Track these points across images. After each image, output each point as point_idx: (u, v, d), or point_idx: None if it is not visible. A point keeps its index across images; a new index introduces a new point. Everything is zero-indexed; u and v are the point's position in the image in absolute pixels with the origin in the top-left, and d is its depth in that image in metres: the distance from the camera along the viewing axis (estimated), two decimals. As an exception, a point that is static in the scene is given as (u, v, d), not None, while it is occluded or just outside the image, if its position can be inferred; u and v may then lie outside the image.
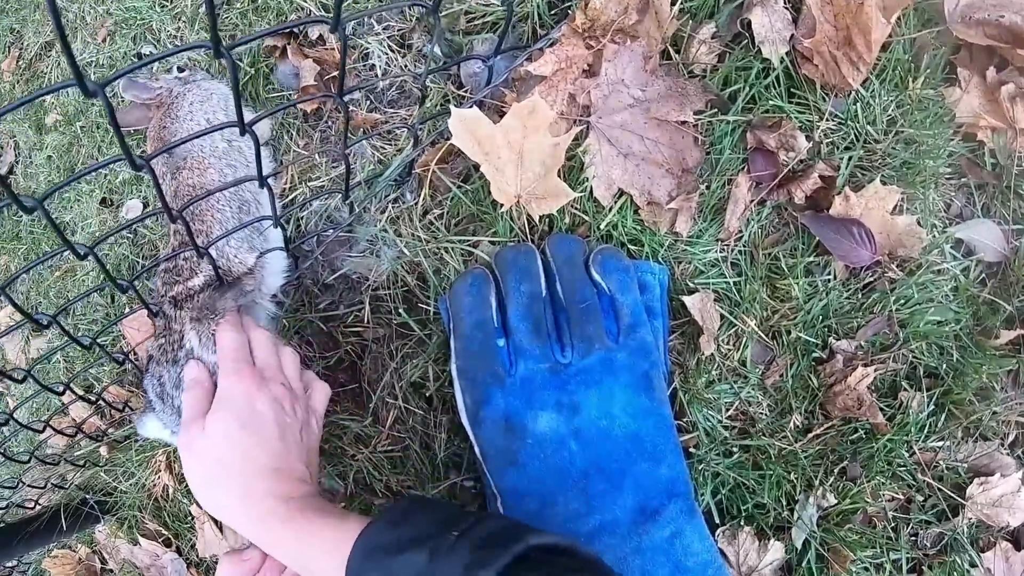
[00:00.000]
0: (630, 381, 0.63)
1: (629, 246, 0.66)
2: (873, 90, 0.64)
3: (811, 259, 0.66)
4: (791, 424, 0.66)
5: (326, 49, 0.79)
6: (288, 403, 0.59)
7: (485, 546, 0.42)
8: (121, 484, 0.96)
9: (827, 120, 0.64)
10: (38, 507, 1.01)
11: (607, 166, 0.66)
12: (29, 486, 1.01)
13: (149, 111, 0.80)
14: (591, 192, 0.66)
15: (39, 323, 0.49)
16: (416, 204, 0.72)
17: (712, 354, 0.65)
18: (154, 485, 0.94)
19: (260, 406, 0.57)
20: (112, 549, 1.07)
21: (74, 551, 1.15)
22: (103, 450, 0.96)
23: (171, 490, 0.93)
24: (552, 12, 0.69)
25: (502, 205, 0.66)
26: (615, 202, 0.66)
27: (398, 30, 0.76)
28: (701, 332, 0.64)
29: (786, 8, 0.63)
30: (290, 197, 0.79)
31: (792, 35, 0.63)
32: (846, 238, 0.64)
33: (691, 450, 0.66)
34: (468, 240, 0.69)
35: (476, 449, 0.64)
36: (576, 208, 0.66)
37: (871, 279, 0.65)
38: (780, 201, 0.66)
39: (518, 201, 0.66)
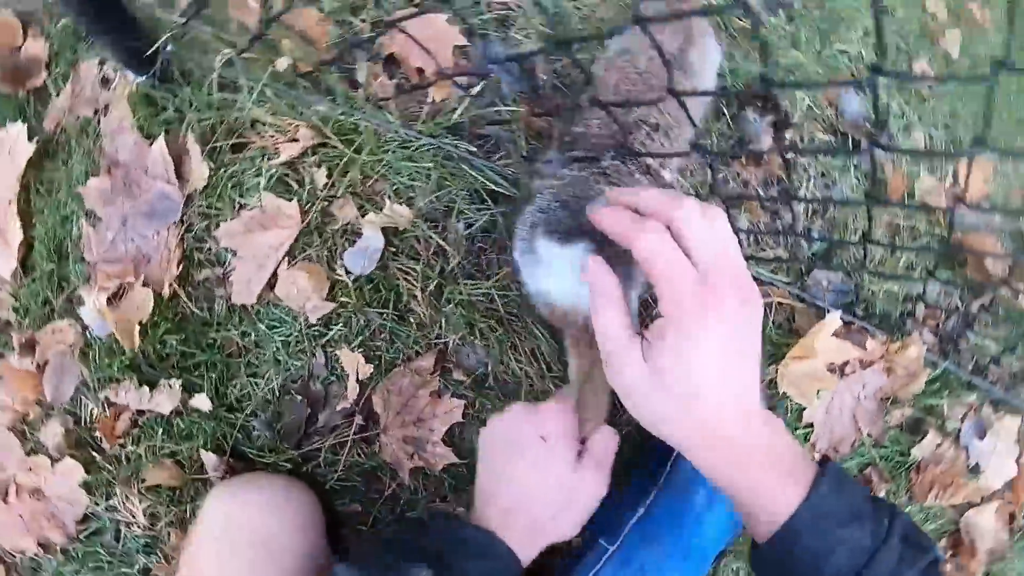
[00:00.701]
0: None
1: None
2: (914, 510, 1.04)
3: None
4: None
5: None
6: (752, 324, 0.51)
7: (907, 543, 0.46)
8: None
9: (894, 498, 1.02)
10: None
11: (820, 409, 0.95)
12: None
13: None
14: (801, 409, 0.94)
15: None
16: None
17: None
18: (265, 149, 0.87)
19: (726, 343, 0.48)
20: (88, 82, 0.91)
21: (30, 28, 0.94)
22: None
23: (271, 167, 0.86)
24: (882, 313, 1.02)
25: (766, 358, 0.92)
26: (804, 426, 0.95)
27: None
28: None
29: (937, 443, 1.03)
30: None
31: (927, 456, 1.02)
32: None
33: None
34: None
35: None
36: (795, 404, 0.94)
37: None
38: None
39: (783, 371, 0.92)
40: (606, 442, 0.65)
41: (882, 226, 1.04)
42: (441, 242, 0.86)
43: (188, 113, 0.87)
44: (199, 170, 0.86)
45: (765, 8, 1.05)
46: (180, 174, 0.87)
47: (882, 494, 0.99)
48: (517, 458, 0.63)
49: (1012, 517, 1.13)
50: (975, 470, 1.08)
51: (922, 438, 1.00)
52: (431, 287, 0.86)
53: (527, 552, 0.61)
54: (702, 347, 0.48)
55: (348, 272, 0.85)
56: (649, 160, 0.72)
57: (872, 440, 0.99)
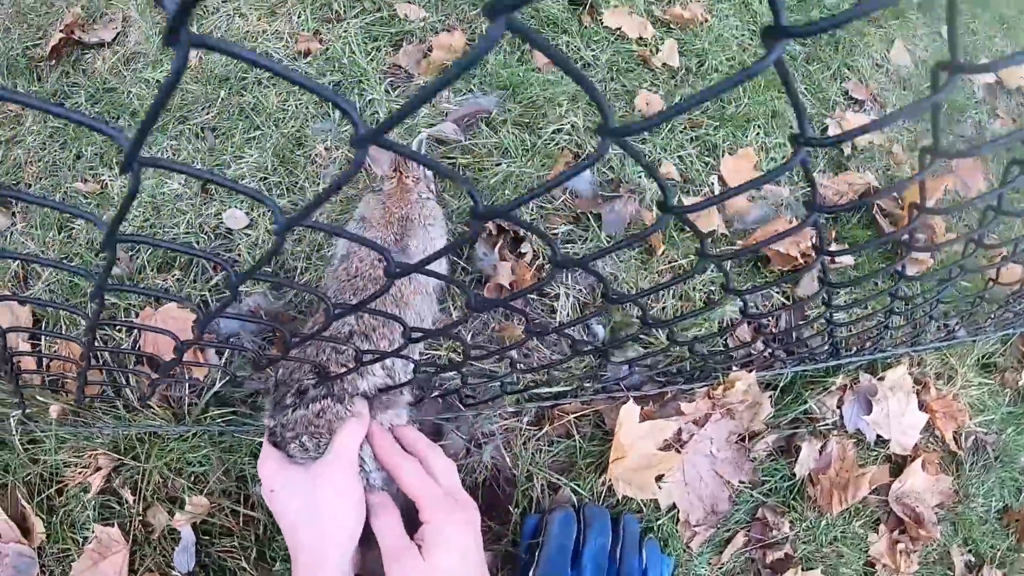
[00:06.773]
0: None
1: (661, 540, 0.91)
2: (831, 521, 0.98)
3: (753, 600, 0.96)
4: None
5: (525, 266, 0.98)
6: (479, 527, 0.67)
7: None
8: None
9: (802, 523, 0.97)
10: None
11: (675, 486, 0.92)
12: None
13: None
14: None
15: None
16: (526, 428, 0.92)
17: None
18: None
19: (468, 539, 0.64)
20: None
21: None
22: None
23: (91, 500, 0.93)
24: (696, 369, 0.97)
25: (594, 470, 0.89)
26: (666, 511, 0.92)
27: (583, 299, 0.99)
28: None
29: (819, 448, 0.97)
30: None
31: (814, 466, 0.97)
32: (778, 601, 0.95)
33: None
34: (558, 479, 0.90)
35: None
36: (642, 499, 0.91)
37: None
38: (756, 556, 0.96)
39: (612, 475, 0.89)
40: (342, 435, 0.69)
41: (658, 273, 0.99)
42: (248, 512, 0.90)
43: (10, 477, 0.95)
44: (37, 524, 0.94)
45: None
46: (25, 530, 0.95)
47: (785, 527, 0.95)
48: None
49: (953, 456, 1.06)
50: (880, 442, 1.01)
51: (797, 454, 0.95)
52: (253, 554, 0.90)
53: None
54: (468, 546, 0.65)
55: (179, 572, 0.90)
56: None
57: (748, 483, 0.94)
